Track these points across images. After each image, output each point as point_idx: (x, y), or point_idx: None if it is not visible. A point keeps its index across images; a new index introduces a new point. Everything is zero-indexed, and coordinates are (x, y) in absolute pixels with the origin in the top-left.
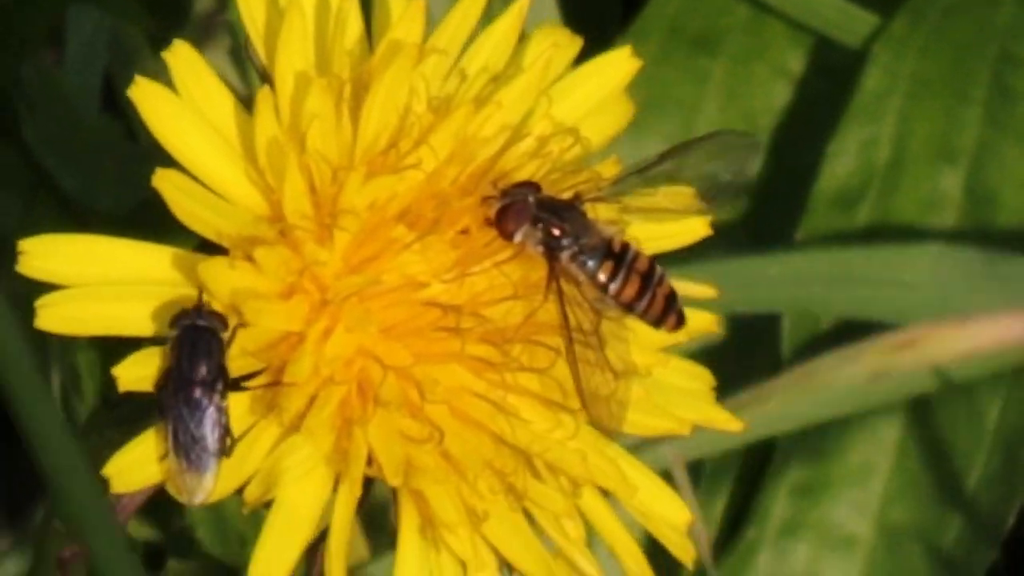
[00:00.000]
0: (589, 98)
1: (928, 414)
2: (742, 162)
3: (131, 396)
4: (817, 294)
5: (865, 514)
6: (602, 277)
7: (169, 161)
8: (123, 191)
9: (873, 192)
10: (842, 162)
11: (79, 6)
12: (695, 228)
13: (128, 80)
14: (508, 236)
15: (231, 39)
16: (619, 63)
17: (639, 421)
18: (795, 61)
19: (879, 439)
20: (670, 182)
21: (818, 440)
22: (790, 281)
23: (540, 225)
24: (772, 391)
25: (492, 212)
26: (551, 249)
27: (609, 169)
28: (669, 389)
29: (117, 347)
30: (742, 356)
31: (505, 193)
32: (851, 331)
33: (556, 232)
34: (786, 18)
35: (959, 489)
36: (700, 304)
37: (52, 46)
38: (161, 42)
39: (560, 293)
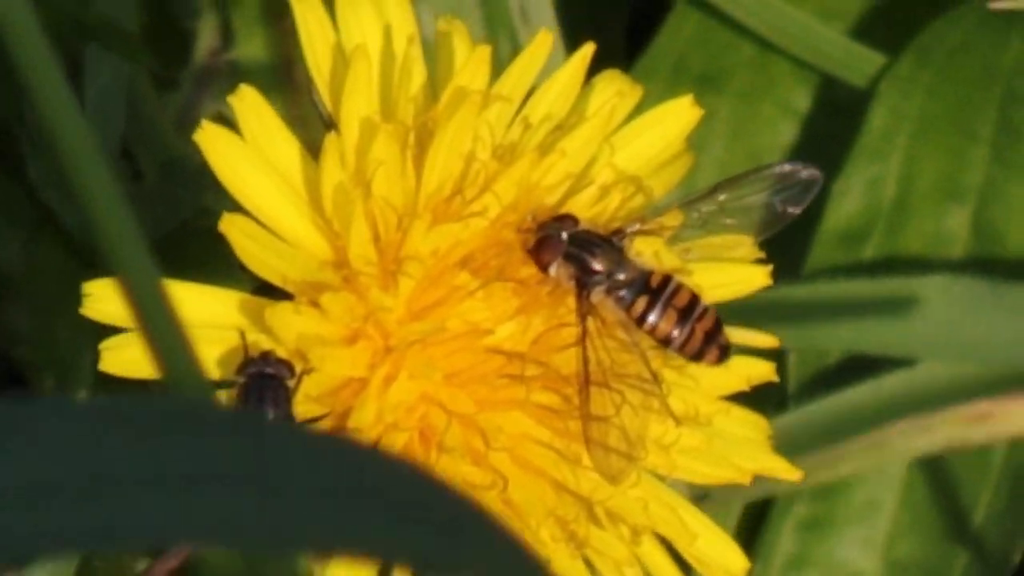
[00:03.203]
0: (651, 147)
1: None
2: (799, 194)
3: None
4: (823, 326)
5: (871, 550)
6: (637, 310)
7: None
8: None
9: (879, 230)
10: (848, 200)
11: (96, 51)
12: (754, 278)
13: (137, 121)
14: (543, 269)
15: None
16: (680, 112)
17: (700, 470)
18: (801, 99)
19: (885, 475)
20: (724, 213)
21: None
22: (795, 313)
23: (572, 260)
24: (841, 457)
25: (528, 245)
26: (581, 285)
27: (671, 220)
28: (728, 438)
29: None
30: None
31: (541, 226)
32: (857, 366)
33: (589, 267)
34: (792, 57)
35: (965, 525)
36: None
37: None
38: (164, 82)
39: (584, 331)
